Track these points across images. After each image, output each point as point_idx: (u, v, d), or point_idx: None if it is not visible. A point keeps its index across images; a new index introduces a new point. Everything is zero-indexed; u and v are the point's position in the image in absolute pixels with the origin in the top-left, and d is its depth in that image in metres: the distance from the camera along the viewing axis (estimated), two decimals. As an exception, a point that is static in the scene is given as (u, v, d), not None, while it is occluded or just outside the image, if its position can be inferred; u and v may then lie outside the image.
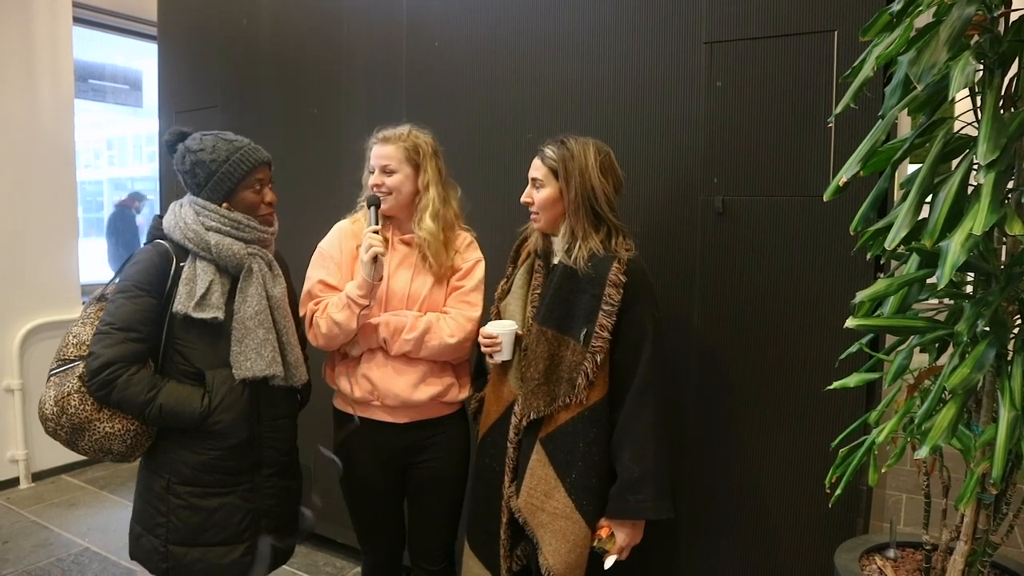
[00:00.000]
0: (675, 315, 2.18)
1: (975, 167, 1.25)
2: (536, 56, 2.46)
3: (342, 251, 2.05)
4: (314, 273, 2.05)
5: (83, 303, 1.93)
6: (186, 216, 1.81)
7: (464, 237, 2.12)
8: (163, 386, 1.75)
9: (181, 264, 1.80)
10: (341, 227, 2.10)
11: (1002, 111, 1.29)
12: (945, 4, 1.24)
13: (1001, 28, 1.31)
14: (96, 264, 4.74)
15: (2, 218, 3.96)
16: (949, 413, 1.30)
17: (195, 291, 1.76)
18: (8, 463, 4.06)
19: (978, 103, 1.34)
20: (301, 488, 2.03)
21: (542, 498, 1.83)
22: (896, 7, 1.36)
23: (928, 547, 1.68)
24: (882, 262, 1.91)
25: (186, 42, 3.54)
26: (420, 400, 2.01)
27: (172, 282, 1.79)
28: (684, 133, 2.19)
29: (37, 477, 4.15)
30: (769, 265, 2.08)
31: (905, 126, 1.83)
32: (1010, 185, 1.33)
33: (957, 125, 1.40)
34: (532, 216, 1.93)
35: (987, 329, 1.29)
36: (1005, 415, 1.27)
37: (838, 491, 1.60)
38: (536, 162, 1.90)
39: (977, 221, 1.16)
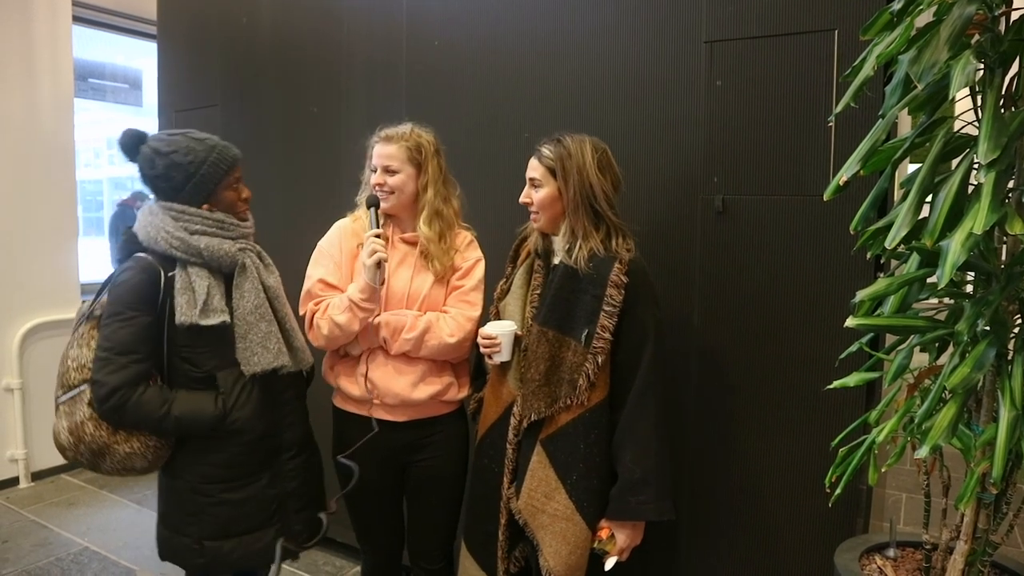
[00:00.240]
0: (675, 314, 2.18)
1: (975, 166, 1.24)
2: (536, 55, 2.45)
3: (342, 250, 2.04)
4: (314, 272, 2.04)
5: (83, 301, 1.89)
6: (165, 224, 1.75)
7: (464, 236, 2.12)
8: (174, 398, 1.74)
9: (170, 274, 1.75)
10: (341, 226, 2.10)
11: (1003, 110, 1.29)
12: (946, 3, 1.24)
13: (1002, 27, 1.30)
14: (96, 263, 4.73)
15: (2, 217, 3.96)
16: (949, 412, 1.30)
17: (195, 299, 1.73)
18: (8, 462, 4.06)
19: (979, 102, 1.33)
20: (321, 462, 2.04)
21: (543, 500, 1.82)
22: (896, 6, 1.35)
23: (928, 547, 1.68)
24: (882, 261, 1.91)
25: (186, 41, 3.54)
26: (419, 399, 2.01)
27: (164, 295, 1.74)
28: (684, 132, 2.19)
29: (37, 476, 4.15)
30: (769, 264, 2.08)
31: (905, 125, 1.82)
32: (1010, 184, 1.32)
33: (957, 124, 1.40)
34: (532, 216, 1.93)
35: (987, 328, 1.29)
36: (1005, 415, 1.27)
37: (838, 490, 1.60)
38: (533, 162, 1.90)
39: (977, 220, 1.16)
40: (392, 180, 2.00)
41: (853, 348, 1.69)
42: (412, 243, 2.06)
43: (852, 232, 1.50)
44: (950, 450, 1.43)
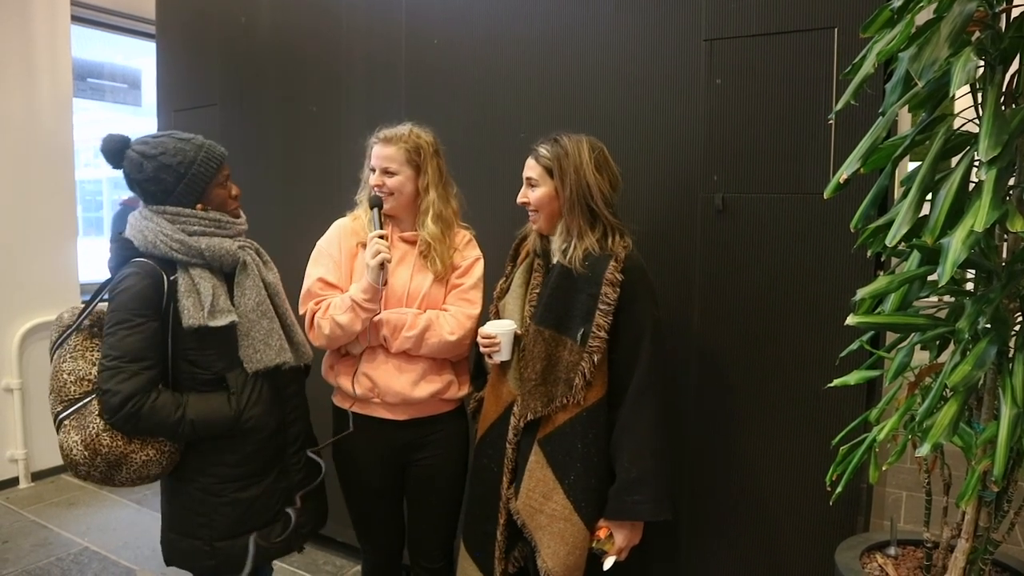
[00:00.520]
0: (675, 313, 2.18)
1: (976, 164, 1.24)
2: (535, 54, 2.45)
3: (341, 249, 2.04)
4: (314, 271, 2.04)
5: (82, 301, 1.87)
6: (162, 227, 1.73)
7: (463, 235, 2.12)
8: (187, 402, 1.72)
9: (172, 278, 1.73)
10: (340, 225, 2.10)
11: (1003, 107, 1.29)
12: (946, 0, 1.23)
13: (1002, 24, 1.30)
14: (96, 263, 4.73)
15: (1, 217, 3.96)
16: (950, 411, 1.30)
17: (202, 301, 1.72)
18: (7, 462, 4.06)
19: (979, 100, 1.33)
20: (320, 455, 2.03)
21: (541, 500, 1.82)
22: (897, 3, 1.35)
23: (929, 545, 1.68)
24: (883, 259, 1.91)
25: (185, 41, 3.53)
26: (420, 397, 2.01)
27: (168, 299, 1.72)
28: (684, 130, 2.18)
29: (36, 477, 4.15)
30: (769, 263, 2.07)
31: (905, 123, 1.82)
32: (1011, 182, 1.32)
33: (958, 122, 1.40)
34: (530, 216, 1.92)
35: (988, 326, 1.28)
36: (1006, 412, 1.26)
37: (839, 489, 1.60)
38: (530, 161, 1.89)
39: (978, 218, 1.15)
40: (391, 181, 1.99)
41: (854, 346, 1.69)
42: (411, 242, 2.06)
43: (852, 230, 1.50)
44: (951, 448, 1.43)
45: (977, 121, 1.30)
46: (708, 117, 2.14)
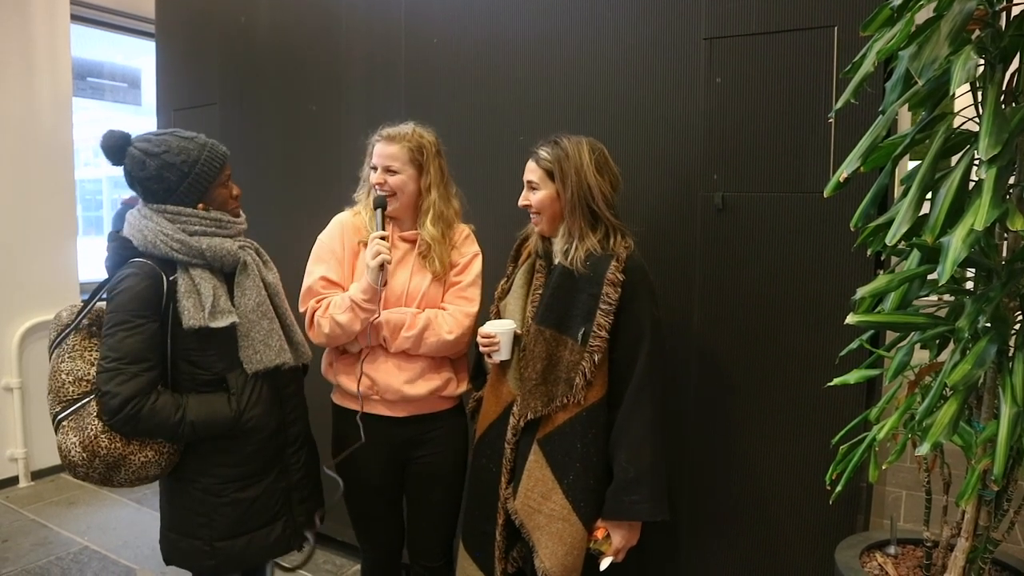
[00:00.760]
0: (675, 312, 2.18)
1: (976, 163, 1.24)
2: (535, 53, 2.45)
3: (344, 246, 2.04)
4: (315, 269, 2.03)
5: (82, 300, 1.85)
6: (162, 227, 1.71)
7: (461, 230, 2.12)
8: (187, 403, 1.72)
9: (171, 278, 1.71)
10: (341, 221, 2.09)
11: (1003, 106, 1.29)
12: (946, -1, 1.24)
13: (1002, 23, 1.30)
14: (95, 262, 4.73)
15: (1, 217, 3.96)
16: (950, 410, 1.30)
17: (202, 302, 1.70)
18: (7, 461, 4.06)
19: (979, 98, 1.33)
20: (318, 453, 2.04)
21: (539, 500, 1.82)
22: (896, 2, 1.35)
23: (929, 544, 1.68)
24: (883, 258, 1.90)
25: (184, 40, 3.53)
26: (419, 395, 2.01)
27: (167, 299, 1.71)
28: (684, 129, 2.18)
29: (36, 476, 4.15)
30: (769, 261, 2.07)
31: (905, 121, 1.82)
32: (1011, 180, 1.32)
33: (958, 120, 1.40)
34: (532, 219, 1.92)
35: (988, 325, 1.28)
36: (1006, 411, 1.26)
37: (838, 488, 1.60)
38: (531, 164, 1.89)
39: (978, 217, 1.15)
40: (392, 180, 1.99)
41: (854, 345, 1.69)
42: (411, 241, 2.05)
43: (852, 229, 1.50)
44: (951, 447, 1.43)
45: (977, 120, 1.30)
46: (708, 116, 2.14)
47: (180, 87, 3.57)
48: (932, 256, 1.33)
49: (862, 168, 1.40)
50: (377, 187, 2.00)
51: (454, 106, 2.63)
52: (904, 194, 1.33)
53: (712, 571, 2.24)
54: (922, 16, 1.29)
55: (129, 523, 3.57)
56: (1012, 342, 1.33)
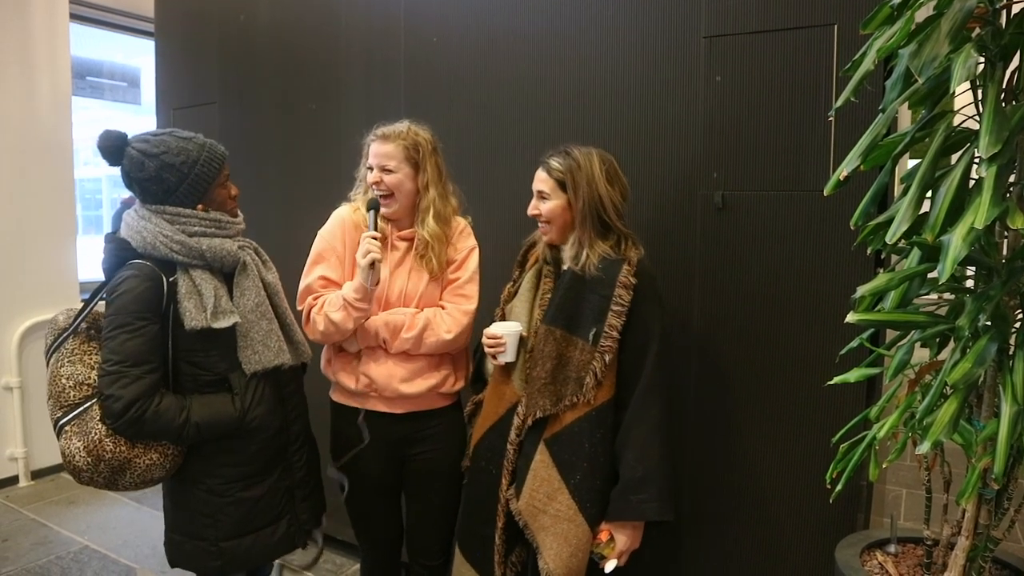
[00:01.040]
0: (675, 311, 2.18)
1: (976, 161, 1.24)
2: (534, 51, 2.45)
3: (346, 244, 2.03)
4: (316, 267, 2.03)
5: (81, 300, 1.84)
6: (161, 228, 1.70)
7: (457, 224, 2.10)
8: (191, 405, 1.71)
9: (171, 279, 1.71)
10: (342, 217, 2.07)
11: (1004, 104, 1.28)
12: (946, -4, 1.23)
13: (1003, 21, 1.30)
14: (95, 262, 4.73)
15: (0, 216, 3.96)
16: (950, 408, 1.30)
17: (203, 303, 1.70)
18: (7, 461, 4.06)
19: (979, 96, 1.33)
20: (318, 451, 2.04)
21: (545, 500, 1.81)
22: (896, 0, 1.35)
23: (929, 542, 1.68)
24: (883, 257, 1.90)
25: (183, 39, 3.53)
26: (417, 392, 2.02)
27: (168, 300, 1.70)
28: (683, 128, 2.18)
29: (36, 475, 4.15)
30: (769, 260, 2.07)
31: (906, 120, 1.82)
32: (1012, 179, 1.32)
33: (958, 119, 1.40)
34: (541, 228, 1.93)
35: (988, 324, 1.28)
36: (1007, 410, 1.26)
37: (839, 487, 1.59)
38: (541, 174, 1.90)
39: (979, 215, 1.15)
40: (389, 179, 1.98)
41: (854, 344, 1.68)
42: (410, 240, 2.05)
43: (853, 227, 1.49)
44: (951, 446, 1.43)
45: (977, 118, 1.30)
46: (708, 114, 2.14)
47: (179, 86, 3.56)
48: (932, 254, 1.33)
49: (862, 166, 1.39)
50: (374, 187, 1.99)
51: (453, 104, 2.63)
52: (904, 192, 1.33)
53: (713, 570, 2.24)
54: (922, 14, 1.29)
55: (129, 522, 3.57)
56: (1012, 340, 1.33)
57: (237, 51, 3.27)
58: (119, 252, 1.74)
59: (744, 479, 2.16)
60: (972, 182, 1.26)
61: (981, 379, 1.42)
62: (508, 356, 1.89)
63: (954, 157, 1.35)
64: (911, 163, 1.45)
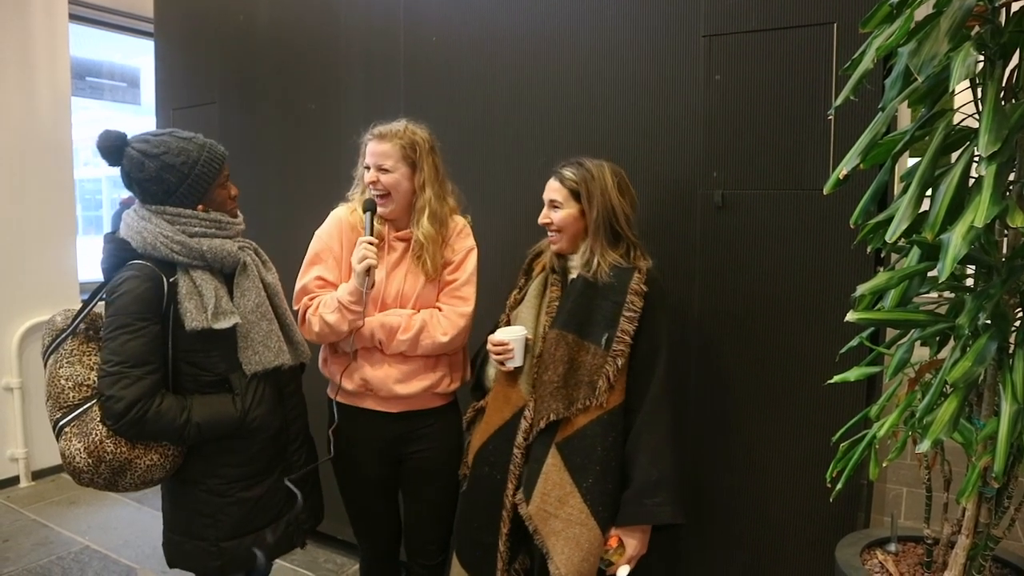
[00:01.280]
0: (675, 310, 2.17)
1: (976, 159, 1.24)
2: (534, 51, 2.45)
3: (342, 244, 2.03)
4: (312, 268, 2.03)
5: (81, 300, 1.84)
6: (162, 228, 1.69)
7: (456, 224, 2.09)
8: (191, 405, 1.71)
9: (171, 280, 1.70)
10: (339, 217, 2.07)
11: (1003, 102, 1.28)
12: (945, -5, 1.23)
13: (1002, 19, 1.30)
14: (95, 262, 4.73)
15: (1, 216, 3.96)
16: (950, 407, 1.30)
17: (204, 304, 1.69)
18: (8, 461, 4.06)
19: (979, 94, 1.33)
20: (316, 451, 2.04)
21: (556, 504, 1.80)
22: (896, -2, 1.35)
23: (929, 541, 1.68)
24: (883, 255, 1.90)
25: (183, 39, 3.53)
26: (412, 392, 2.02)
27: (168, 301, 1.69)
28: (683, 127, 2.18)
29: (37, 475, 4.15)
30: (769, 259, 2.07)
31: (905, 118, 1.81)
32: (1011, 177, 1.32)
33: (958, 117, 1.39)
34: (551, 237, 1.95)
35: (988, 322, 1.28)
36: (1007, 408, 1.26)
37: (839, 486, 1.59)
38: (554, 184, 1.92)
39: (978, 213, 1.15)
40: (386, 179, 1.98)
41: (854, 343, 1.68)
42: (407, 240, 2.05)
43: (852, 226, 1.49)
44: (951, 444, 1.43)
45: (977, 116, 1.30)
46: (707, 113, 2.14)
47: (179, 86, 3.56)
48: (932, 253, 1.33)
49: (862, 165, 1.39)
50: (371, 186, 1.99)
51: (453, 104, 2.63)
52: (904, 191, 1.33)
53: (713, 569, 2.24)
54: (921, 12, 1.29)
55: (130, 522, 3.57)
56: (1012, 339, 1.33)
57: (237, 51, 3.27)
58: (119, 252, 1.74)
59: (744, 478, 2.16)
60: (972, 180, 1.26)
61: (981, 378, 1.41)
62: (516, 361, 1.90)
63: (954, 155, 1.35)
64: (911, 161, 1.44)
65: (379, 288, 1.99)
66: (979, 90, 1.33)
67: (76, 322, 1.75)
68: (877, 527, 1.93)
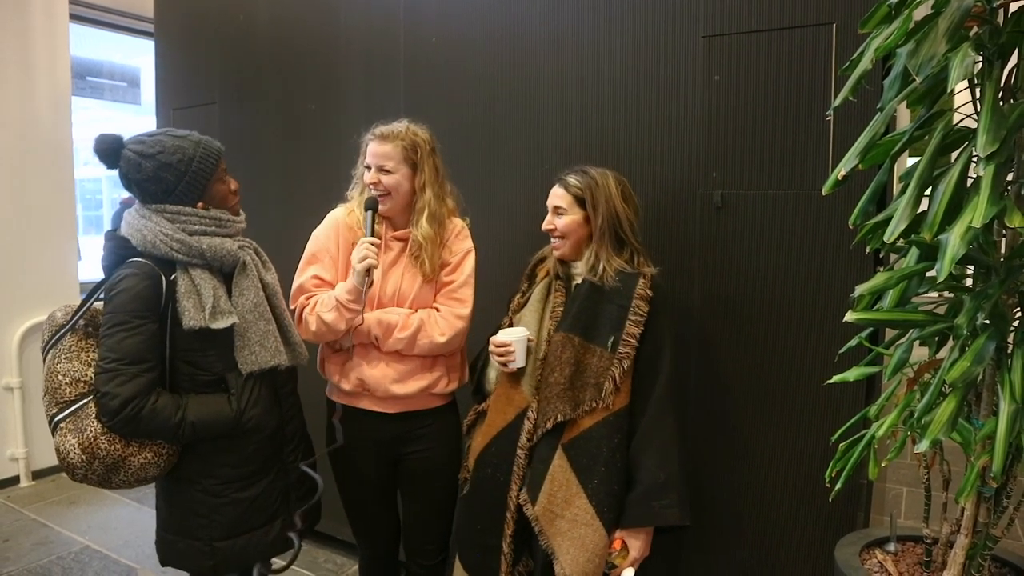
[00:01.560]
0: (674, 310, 2.17)
1: (974, 159, 1.24)
2: (534, 51, 2.45)
3: (339, 245, 2.04)
4: (309, 267, 2.03)
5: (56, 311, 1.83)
6: (162, 227, 1.70)
7: (454, 225, 2.10)
8: (187, 404, 1.71)
9: (171, 278, 1.70)
10: (336, 218, 2.08)
11: (1001, 103, 1.28)
12: (944, -5, 1.23)
13: (1000, 19, 1.30)
14: (95, 261, 4.74)
15: (0, 216, 3.96)
16: (949, 407, 1.30)
17: (202, 302, 1.70)
18: (8, 461, 4.07)
19: (977, 95, 1.33)
20: (314, 451, 2.04)
21: (562, 505, 1.80)
22: (894, -1, 1.35)
23: (928, 541, 1.68)
24: (881, 255, 1.91)
25: (183, 39, 3.53)
26: (409, 393, 2.02)
27: (167, 299, 1.70)
28: (683, 128, 2.18)
29: (37, 475, 4.15)
30: (768, 259, 2.07)
31: (904, 119, 1.82)
32: (1010, 177, 1.32)
33: (956, 117, 1.40)
34: (554, 244, 1.96)
35: (987, 322, 1.28)
36: (1005, 408, 1.26)
37: (838, 485, 1.60)
38: (558, 191, 1.94)
39: (977, 214, 1.15)
40: (386, 179, 1.98)
41: (853, 343, 1.69)
42: (404, 240, 2.05)
43: (851, 226, 1.49)
44: (950, 444, 1.43)
45: (975, 116, 1.30)
46: (707, 114, 2.14)
47: (179, 86, 3.57)
48: (931, 253, 1.33)
49: (860, 165, 1.39)
50: (371, 187, 1.99)
51: (452, 105, 2.63)
52: (902, 191, 1.33)
53: (712, 568, 2.24)
54: (920, 13, 1.29)
55: (130, 522, 3.57)
56: (1011, 339, 1.33)
57: (237, 51, 3.27)
58: (119, 250, 1.74)
59: (743, 478, 2.16)
60: (970, 181, 1.26)
61: (979, 377, 1.42)
62: (519, 362, 1.90)
63: (952, 156, 1.35)
64: (910, 162, 1.45)
65: (375, 288, 1.99)
66: (977, 90, 1.33)
67: (76, 318, 1.75)
68: (876, 527, 1.94)
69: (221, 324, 1.71)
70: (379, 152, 1.98)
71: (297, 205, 3.06)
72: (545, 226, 1.95)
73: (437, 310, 2.04)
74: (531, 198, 1.98)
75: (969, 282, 1.48)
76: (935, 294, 1.50)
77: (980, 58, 1.28)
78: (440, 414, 2.11)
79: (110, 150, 1.73)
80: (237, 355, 1.77)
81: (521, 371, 1.92)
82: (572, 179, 1.93)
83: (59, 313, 1.78)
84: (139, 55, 5.27)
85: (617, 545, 1.80)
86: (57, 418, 1.68)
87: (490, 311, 2.11)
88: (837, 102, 1.42)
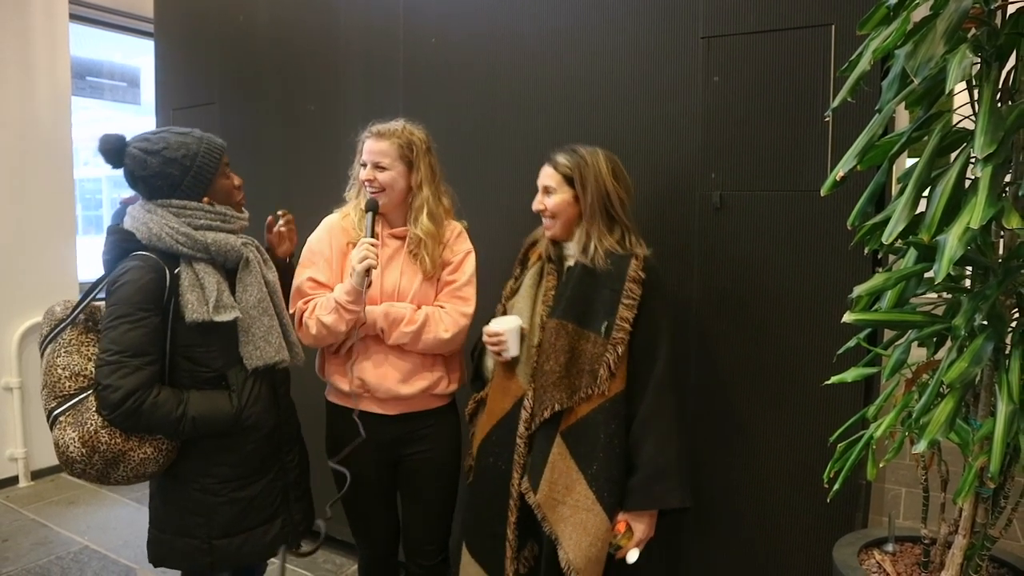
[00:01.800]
0: (673, 309, 2.17)
1: (972, 160, 1.24)
2: (533, 52, 2.45)
3: (332, 248, 2.04)
4: (304, 271, 2.04)
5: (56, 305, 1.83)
6: (168, 220, 1.71)
7: (453, 227, 2.11)
8: (188, 399, 1.71)
9: (175, 272, 1.71)
10: (330, 223, 2.09)
11: (999, 104, 1.29)
12: (942, -3, 1.24)
13: (998, 21, 1.30)
14: (95, 261, 4.74)
15: (0, 216, 3.96)
16: (947, 407, 1.30)
17: (206, 296, 1.70)
18: (7, 461, 4.07)
19: (975, 96, 1.33)
20: (307, 453, 2.05)
21: (563, 491, 1.82)
22: (893, 0, 1.35)
23: (927, 541, 1.68)
24: (880, 256, 1.91)
25: (183, 39, 3.53)
26: (410, 393, 2.02)
27: (170, 293, 1.70)
28: (682, 128, 2.18)
29: (36, 475, 4.16)
30: (767, 260, 2.07)
31: (903, 120, 1.82)
32: (1007, 178, 1.32)
33: (955, 118, 1.40)
34: (545, 224, 1.95)
35: (985, 323, 1.28)
36: (1003, 409, 1.27)
37: (836, 486, 1.60)
38: (547, 170, 1.93)
39: (975, 215, 1.16)
40: (382, 177, 1.99)
41: (851, 343, 1.69)
42: (401, 238, 2.05)
43: (849, 227, 1.50)
44: (948, 444, 1.43)
45: (973, 118, 1.30)
46: (706, 114, 2.14)
47: (179, 86, 3.57)
48: (929, 254, 1.33)
49: (859, 166, 1.40)
50: (367, 183, 2.00)
51: (452, 105, 2.63)
52: (901, 192, 1.34)
53: (710, 568, 2.25)
54: (918, 14, 1.29)
55: (129, 522, 3.57)
56: (1008, 340, 1.33)
57: (237, 51, 3.28)
58: (122, 243, 1.75)
59: (741, 478, 2.16)
60: (968, 182, 1.26)
61: (977, 378, 1.42)
62: (511, 351, 1.91)
63: (951, 157, 1.36)
64: (908, 162, 1.45)
65: (372, 285, 1.99)
66: (975, 92, 1.33)
67: (75, 312, 1.75)
68: (875, 527, 1.94)
69: (224, 318, 1.71)
70: (375, 149, 1.99)
71: (297, 205, 3.03)
72: (535, 206, 1.94)
73: (442, 307, 2.04)
74: (530, 198, 1.97)
75: (967, 283, 1.49)
76: (933, 295, 1.50)
77: (978, 59, 1.28)
78: (440, 415, 2.12)
79: (114, 149, 1.74)
80: (242, 351, 1.77)
81: (515, 359, 1.93)
82: (560, 158, 1.92)
83: (58, 308, 1.78)
84: (139, 55, 5.27)
85: (621, 528, 1.82)
86: (56, 412, 1.68)
87: (489, 311, 2.11)
88: (836, 103, 1.42)
